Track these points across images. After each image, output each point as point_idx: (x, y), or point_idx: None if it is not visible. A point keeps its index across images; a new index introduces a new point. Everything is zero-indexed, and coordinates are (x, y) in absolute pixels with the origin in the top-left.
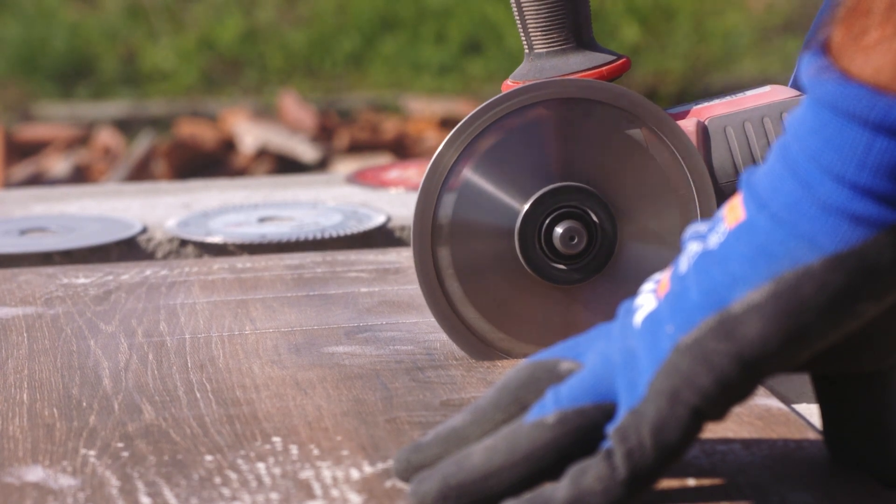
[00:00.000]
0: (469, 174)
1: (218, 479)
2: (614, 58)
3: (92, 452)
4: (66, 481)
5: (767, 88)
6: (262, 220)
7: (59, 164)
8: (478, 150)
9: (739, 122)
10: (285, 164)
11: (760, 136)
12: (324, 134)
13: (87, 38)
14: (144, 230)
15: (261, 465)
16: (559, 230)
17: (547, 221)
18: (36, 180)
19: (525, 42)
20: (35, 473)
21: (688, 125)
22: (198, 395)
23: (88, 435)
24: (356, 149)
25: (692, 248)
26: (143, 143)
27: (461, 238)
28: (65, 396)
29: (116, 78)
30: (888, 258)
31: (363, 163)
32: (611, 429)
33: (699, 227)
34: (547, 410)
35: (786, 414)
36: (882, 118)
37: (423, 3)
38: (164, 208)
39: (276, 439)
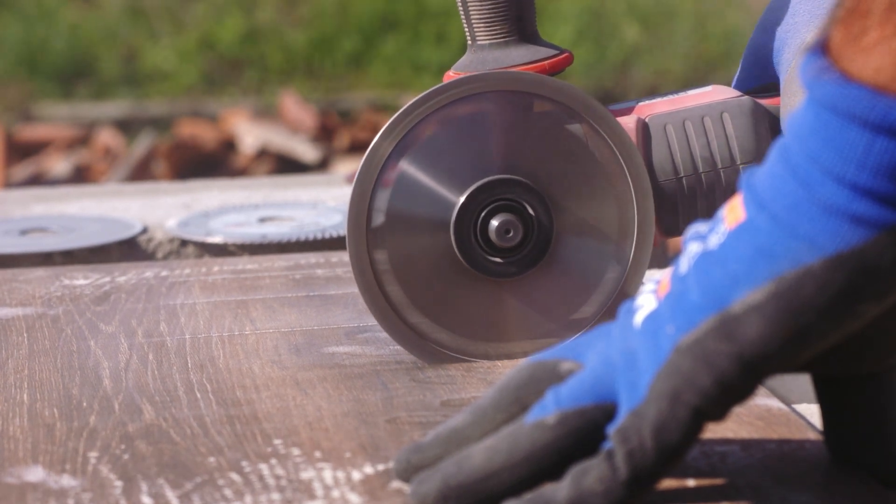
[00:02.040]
0: (405, 165)
1: (220, 481)
2: (557, 52)
3: (93, 453)
4: (66, 482)
5: (709, 88)
6: (262, 220)
7: (59, 165)
8: (415, 141)
9: (680, 121)
10: (286, 165)
11: (700, 135)
12: (324, 134)
13: (88, 39)
14: (145, 230)
15: (262, 466)
16: (495, 223)
17: (483, 214)
18: (36, 180)
19: (468, 33)
20: (35, 474)
21: (628, 122)
22: (198, 395)
23: (89, 435)
24: (357, 149)
25: (692, 249)
26: (143, 143)
27: (397, 230)
28: (65, 397)
29: (117, 78)
30: (888, 259)
31: None
32: (612, 429)
33: (699, 227)
34: (547, 411)
35: (786, 414)
36: (882, 119)
37: (423, 3)
38: (164, 208)
39: (277, 440)
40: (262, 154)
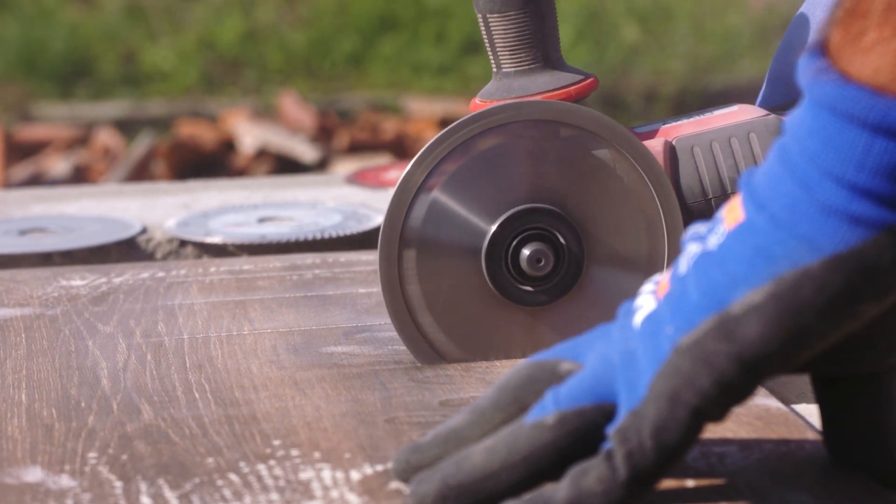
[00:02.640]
0: (437, 194)
1: (219, 481)
2: (581, 77)
3: (91, 453)
4: (65, 482)
5: (735, 108)
6: (261, 220)
7: (58, 165)
8: (446, 170)
9: (707, 142)
10: (285, 165)
11: (727, 156)
12: (323, 134)
13: (87, 39)
14: (144, 230)
15: (261, 467)
16: (526, 252)
17: (514, 243)
18: (35, 180)
19: (493, 61)
20: (34, 474)
21: (655, 145)
22: (196, 395)
23: (87, 435)
24: (356, 149)
25: (691, 249)
26: (142, 143)
27: (428, 257)
28: (63, 397)
29: (116, 78)
30: (888, 259)
31: (363, 163)
32: (611, 430)
33: (698, 227)
34: (547, 411)
35: (785, 414)
36: (881, 119)
37: (422, 3)
38: (163, 208)
39: (276, 440)
40: (262, 154)
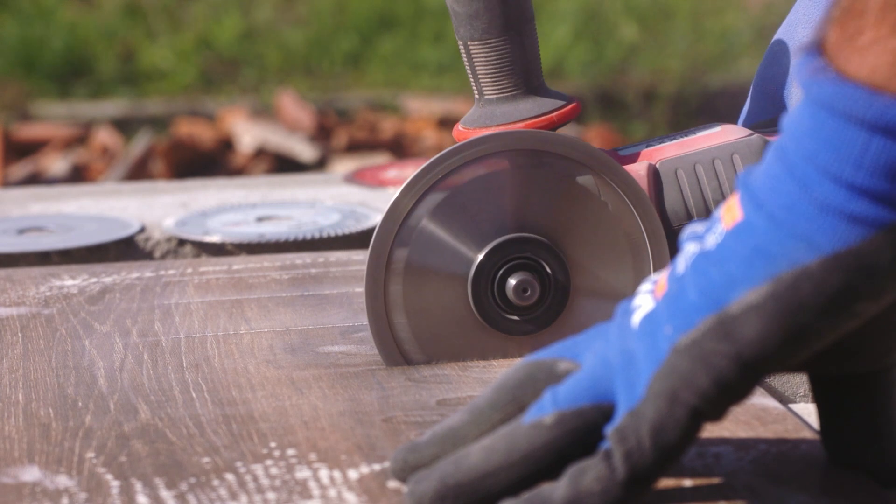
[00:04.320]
0: (425, 222)
1: (216, 480)
2: (564, 103)
3: (89, 453)
4: (63, 481)
5: (718, 128)
6: (259, 219)
7: (57, 164)
8: (434, 198)
9: (690, 165)
10: (283, 164)
11: (711, 179)
12: (322, 133)
13: (86, 38)
14: (142, 229)
15: (257, 466)
16: (512, 282)
17: (500, 272)
18: (34, 179)
19: (475, 88)
20: (31, 473)
21: (638, 169)
22: (193, 394)
23: (84, 435)
24: (354, 148)
25: (689, 249)
26: (141, 142)
27: (414, 285)
28: (60, 396)
29: (114, 77)
30: (886, 258)
31: (361, 162)
32: (609, 429)
33: (696, 227)
34: (545, 411)
35: (783, 414)
36: (878, 118)
37: (421, 2)
38: (161, 208)
39: (273, 440)
40: (260, 153)
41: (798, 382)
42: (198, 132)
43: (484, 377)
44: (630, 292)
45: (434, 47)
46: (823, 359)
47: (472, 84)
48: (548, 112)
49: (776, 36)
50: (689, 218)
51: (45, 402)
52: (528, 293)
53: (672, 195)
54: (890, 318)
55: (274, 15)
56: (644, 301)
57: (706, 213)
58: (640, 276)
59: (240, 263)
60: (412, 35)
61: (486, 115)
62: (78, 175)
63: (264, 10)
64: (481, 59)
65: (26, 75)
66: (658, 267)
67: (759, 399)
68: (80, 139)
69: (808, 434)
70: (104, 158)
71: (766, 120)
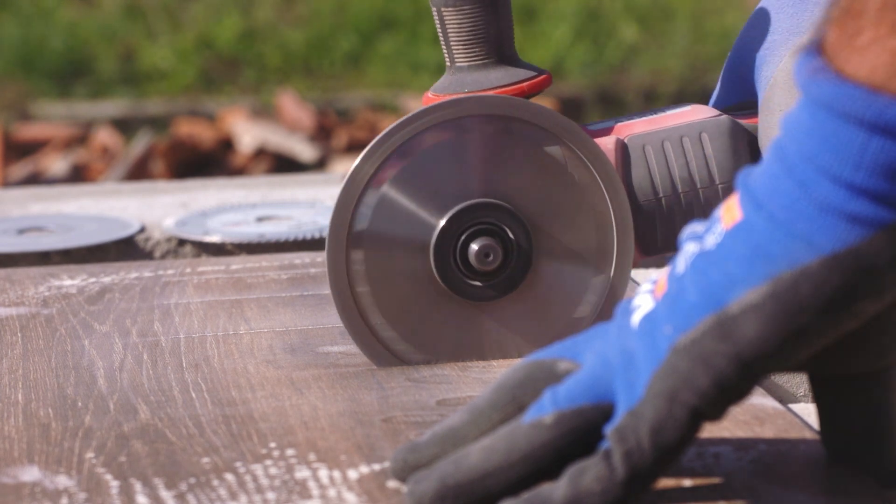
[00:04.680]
0: (386, 188)
1: (215, 480)
2: (535, 73)
3: (89, 453)
4: (62, 482)
5: (688, 108)
6: (259, 219)
7: (57, 164)
8: (396, 164)
9: (659, 141)
10: (283, 164)
11: (679, 156)
12: (322, 133)
13: (86, 38)
14: (142, 229)
15: (257, 466)
16: (475, 247)
17: (463, 238)
18: (34, 179)
19: (447, 55)
20: (31, 474)
21: (607, 143)
22: (193, 395)
23: (84, 435)
24: (354, 148)
25: (689, 249)
26: (141, 142)
27: (376, 251)
28: (60, 396)
29: (114, 77)
30: (885, 257)
31: None
32: (609, 429)
33: (696, 227)
34: (545, 411)
35: (782, 414)
36: (877, 118)
37: (421, 2)
38: (161, 208)
39: (272, 440)
40: (260, 153)
41: (798, 382)
42: (198, 132)
43: (484, 377)
44: (593, 262)
45: (434, 47)
46: (823, 359)
47: (444, 51)
48: (519, 81)
49: (747, 22)
50: (656, 194)
51: (45, 402)
52: (491, 258)
53: (639, 170)
54: (889, 317)
55: (274, 15)
56: (644, 301)
57: (672, 189)
58: (603, 247)
59: (239, 263)
60: (412, 35)
61: (456, 82)
62: (78, 175)
63: (264, 10)
64: (454, 26)
65: (26, 75)
66: (621, 240)
67: (759, 399)
68: (80, 139)
69: (808, 434)
70: (104, 158)
71: (736, 103)
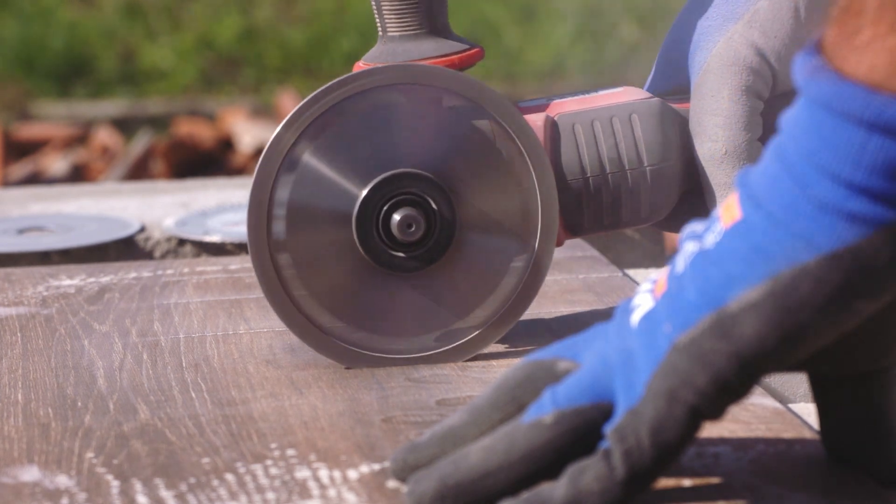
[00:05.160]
0: (308, 157)
1: (215, 480)
2: (467, 47)
3: (88, 453)
4: (62, 481)
5: (620, 89)
6: None
7: (57, 163)
8: (318, 132)
9: (588, 121)
10: None
11: (608, 136)
12: None
13: (86, 38)
14: (142, 229)
15: (257, 466)
16: (397, 217)
17: (385, 208)
18: (34, 179)
19: (379, 24)
20: (31, 473)
21: (536, 120)
22: (193, 394)
23: (84, 435)
24: None
25: (688, 248)
26: (141, 142)
27: (298, 223)
28: (59, 396)
29: (114, 77)
30: (885, 256)
31: None
32: (609, 429)
33: (695, 226)
34: (544, 410)
35: (782, 413)
36: (877, 117)
37: None
38: (161, 207)
39: (272, 440)
40: (260, 153)
41: (798, 382)
42: (198, 132)
43: (484, 377)
44: (517, 236)
45: None
46: (823, 358)
47: (377, 20)
48: (450, 54)
49: (683, 7)
50: (584, 173)
51: (45, 402)
52: (413, 229)
53: (568, 149)
54: (889, 316)
55: (274, 15)
56: (643, 300)
57: (600, 169)
58: (527, 223)
59: (239, 263)
60: None
61: (387, 51)
62: (78, 175)
63: (264, 9)
64: None
65: (26, 75)
66: (546, 218)
67: (759, 399)
68: (80, 139)
69: (807, 434)
70: (104, 158)
71: (672, 88)
